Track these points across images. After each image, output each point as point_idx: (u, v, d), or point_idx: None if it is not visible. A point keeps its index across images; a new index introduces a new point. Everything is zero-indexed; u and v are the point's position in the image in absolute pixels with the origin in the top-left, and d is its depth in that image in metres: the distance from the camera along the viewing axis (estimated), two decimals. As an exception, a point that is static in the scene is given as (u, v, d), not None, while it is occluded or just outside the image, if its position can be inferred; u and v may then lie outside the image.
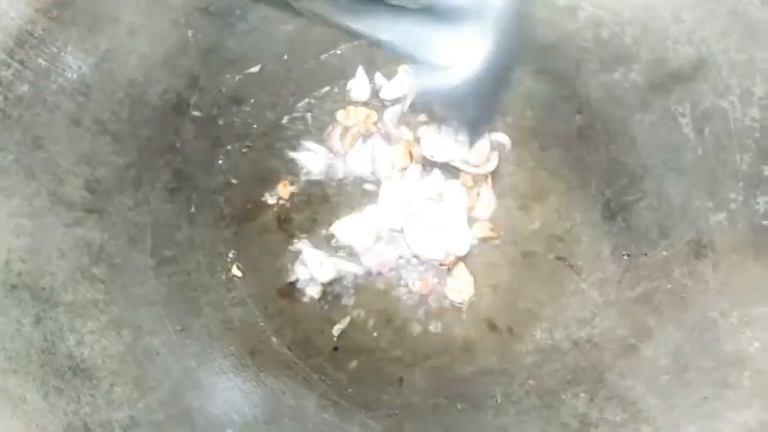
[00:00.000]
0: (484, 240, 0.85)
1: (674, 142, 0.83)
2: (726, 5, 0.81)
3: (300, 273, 0.83)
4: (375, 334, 0.80)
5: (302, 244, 0.85)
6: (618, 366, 0.74)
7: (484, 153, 0.89)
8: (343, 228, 0.85)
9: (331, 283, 0.83)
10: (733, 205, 0.77)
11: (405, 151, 0.88)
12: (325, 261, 0.83)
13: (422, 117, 0.92)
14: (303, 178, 0.90)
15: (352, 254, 0.85)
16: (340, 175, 0.90)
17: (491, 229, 0.85)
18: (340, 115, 0.92)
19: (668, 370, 0.72)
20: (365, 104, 0.93)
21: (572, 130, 0.91)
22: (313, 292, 0.82)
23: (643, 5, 0.88)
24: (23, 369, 0.66)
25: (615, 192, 0.86)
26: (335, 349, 0.80)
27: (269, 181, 0.89)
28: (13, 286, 0.70)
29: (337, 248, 0.85)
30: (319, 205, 0.88)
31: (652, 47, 0.87)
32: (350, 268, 0.83)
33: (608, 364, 0.75)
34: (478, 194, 0.87)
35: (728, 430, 0.66)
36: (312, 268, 0.82)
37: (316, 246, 0.85)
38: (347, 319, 0.81)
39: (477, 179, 0.88)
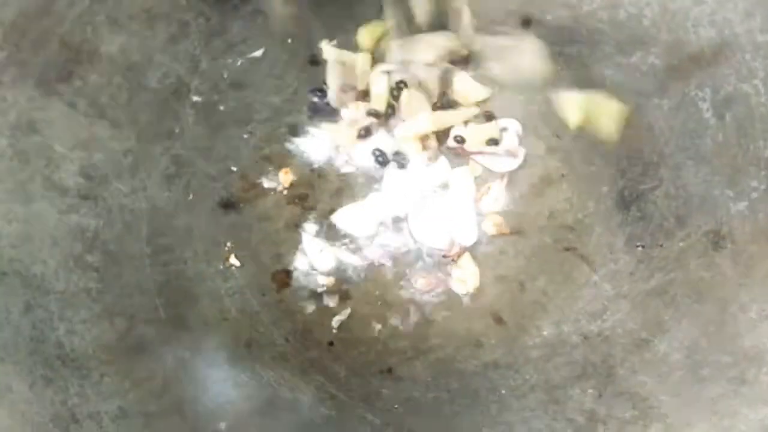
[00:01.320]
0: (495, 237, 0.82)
1: (693, 128, 0.80)
2: (750, -16, 0.77)
3: (299, 262, 0.80)
4: (375, 326, 0.78)
5: (303, 233, 0.82)
6: (629, 361, 0.72)
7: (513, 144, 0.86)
8: (345, 217, 0.83)
9: (331, 273, 0.81)
10: (754, 194, 0.74)
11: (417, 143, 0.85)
12: (326, 249, 0.80)
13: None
14: (305, 165, 0.87)
15: (354, 244, 0.82)
16: (345, 166, 0.87)
17: (502, 226, 0.82)
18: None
19: (682, 366, 0.69)
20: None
21: (586, 116, 0.87)
22: (312, 283, 0.80)
23: (662, -15, 0.85)
24: (10, 358, 0.65)
25: (630, 180, 0.82)
26: (330, 344, 0.78)
27: (270, 167, 0.87)
28: (3, 273, 0.69)
29: (339, 238, 0.83)
30: (321, 192, 0.86)
31: (672, 29, 0.83)
32: (351, 259, 0.81)
33: (619, 359, 0.72)
34: (489, 188, 0.84)
35: (744, 428, 0.63)
36: (312, 256, 0.80)
37: (317, 235, 0.83)
38: (347, 311, 0.79)
39: (492, 175, 0.85)
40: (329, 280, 0.81)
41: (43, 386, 0.65)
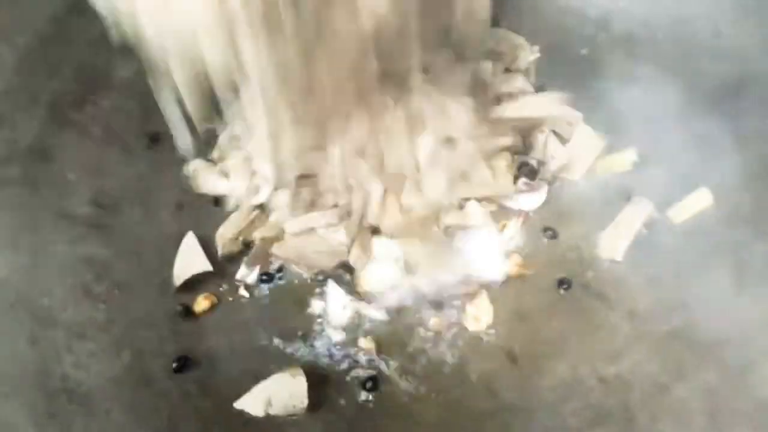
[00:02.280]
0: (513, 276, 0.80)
1: (714, 164, 0.78)
2: (770, 17, 0.76)
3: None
4: (386, 364, 0.76)
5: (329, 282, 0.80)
6: (648, 406, 0.69)
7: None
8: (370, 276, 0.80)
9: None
10: (777, 234, 0.72)
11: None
12: (348, 305, 0.78)
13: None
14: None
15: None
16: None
17: (521, 266, 0.80)
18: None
19: (702, 412, 0.67)
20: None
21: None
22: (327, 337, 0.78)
23: (679, 18, 0.84)
24: (15, 392, 0.63)
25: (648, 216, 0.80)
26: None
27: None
28: (11, 304, 0.68)
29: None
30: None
31: (689, 63, 0.83)
32: (375, 314, 0.78)
33: (638, 403, 0.70)
34: (505, 225, 0.82)
35: (765, 484, 0.61)
36: (332, 308, 0.78)
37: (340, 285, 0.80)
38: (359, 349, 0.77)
39: (510, 212, 0.83)
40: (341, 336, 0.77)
41: (46, 422, 0.63)
